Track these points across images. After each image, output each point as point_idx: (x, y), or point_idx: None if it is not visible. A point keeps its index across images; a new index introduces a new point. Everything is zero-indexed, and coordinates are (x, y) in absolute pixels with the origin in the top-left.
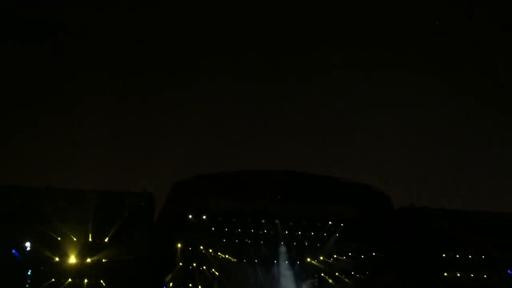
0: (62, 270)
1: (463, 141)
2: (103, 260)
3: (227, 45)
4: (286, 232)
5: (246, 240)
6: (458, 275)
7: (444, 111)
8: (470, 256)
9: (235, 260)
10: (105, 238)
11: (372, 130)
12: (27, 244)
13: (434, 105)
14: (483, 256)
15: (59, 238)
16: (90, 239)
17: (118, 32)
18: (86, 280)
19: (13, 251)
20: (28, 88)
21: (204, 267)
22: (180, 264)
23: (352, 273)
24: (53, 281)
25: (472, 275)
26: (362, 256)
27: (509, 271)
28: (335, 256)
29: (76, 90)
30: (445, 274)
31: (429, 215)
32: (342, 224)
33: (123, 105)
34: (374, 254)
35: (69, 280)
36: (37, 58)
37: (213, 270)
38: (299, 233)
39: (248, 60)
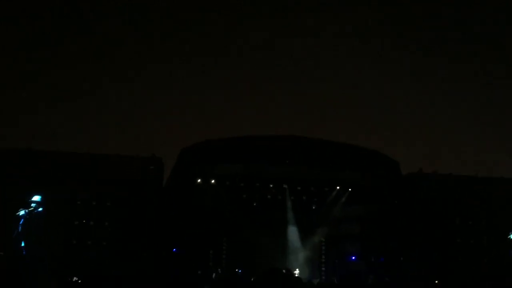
0: (71, 231)
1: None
2: (105, 223)
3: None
4: (294, 197)
5: (254, 204)
6: (467, 241)
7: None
8: (479, 223)
9: (242, 223)
10: (113, 201)
11: (380, 96)
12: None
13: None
14: (491, 223)
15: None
16: (94, 203)
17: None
18: (89, 242)
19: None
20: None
21: (212, 231)
22: (189, 228)
23: (359, 237)
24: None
25: (480, 242)
26: (369, 221)
27: None
28: (342, 221)
29: (86, 58)
30: (457, 240)
31: (437, 181)
32: (350, 189)
33: (132, 72)
34: (381, 219)
35: (74, 242)
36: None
37: (221, 233)
38: (307, 197)
39: (255, 24)
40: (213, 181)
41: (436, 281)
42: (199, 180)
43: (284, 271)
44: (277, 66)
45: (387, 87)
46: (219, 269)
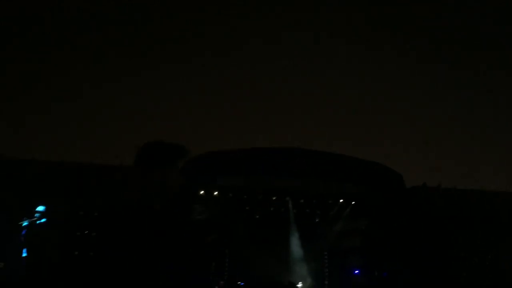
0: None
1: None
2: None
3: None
4: (296, 210)
5: (257, 217)
6: (471, 258)
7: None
8: (484, 239)
9: (244, 235)
10: (116, 212)
11: (384, 108)
12: (43, 219)
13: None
14: (498, 240)
15: (81, 212)
16: (96, 213)
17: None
18: (91, 253)
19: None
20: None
21: (215, 243)
22: (191, 239)
23: (362, 251)
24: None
25: (485, 259)
26: (373, 235)
27: None
28: (345, 234)
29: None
30: (461, 256)
31: (441, 195)
32: (353, 202)
33: (131, 79)
34: (384, 233)
35: (76, 253)
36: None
37: (223, 245)
38: (310, 210)
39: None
40: (215, 192)
41: None
42: (201, 192)
43: (286, 284)
44: (282, 69)
45: (391, 96)
46: (221, 281)
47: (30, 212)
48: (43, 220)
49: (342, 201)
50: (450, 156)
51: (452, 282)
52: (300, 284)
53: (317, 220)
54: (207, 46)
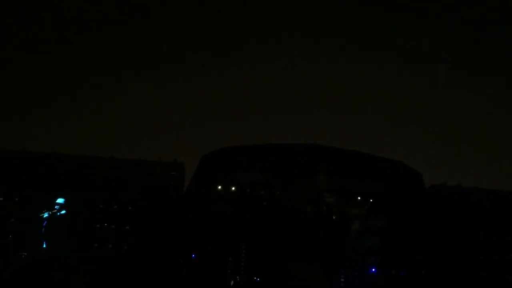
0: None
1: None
2: (126, 227)
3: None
4: (315, 206)
5: (273, 212)
6: (491, 257)
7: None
8: (503, 238)
9: (261, 231)
10: (135, 205)
11: (405, 107)
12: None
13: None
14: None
15: (100, 205)
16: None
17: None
18: (110, 245)
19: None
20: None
21: (232, 238)
22: (209, 233)
23: (379, 250)
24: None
25: (505, 258)
26: (391, 234)
27: None
28: (363, 232)
29: (110, 61)
30: (480, 256)
31: (461, 194)
32: (371, 200)
33: (155, 79)
34: (402, 232)
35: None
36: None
37: (240, 241)
38: (327, 208)
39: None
40: (233, 188)
41: None
42: (219, 187)
43: (303, 279)
44: (291, 70)
45: (413, 97)
46: (237, 276)
47: (51, 205)
48: (63, 212)
49: (360, 199)
50: (470, 156)
51: (471, 283)
52: (315, 279)
53: (334, 218)
54: (207, 46)
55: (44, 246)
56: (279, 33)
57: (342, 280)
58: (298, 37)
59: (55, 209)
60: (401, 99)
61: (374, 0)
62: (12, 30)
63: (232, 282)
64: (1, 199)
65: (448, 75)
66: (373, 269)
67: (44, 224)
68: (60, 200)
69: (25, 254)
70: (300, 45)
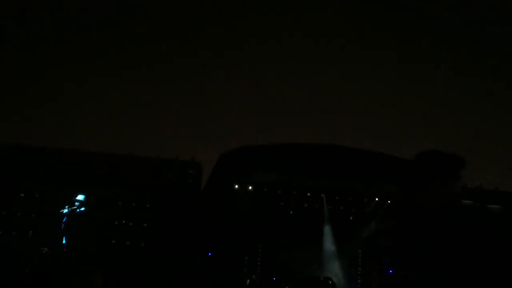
0: (111, 231)
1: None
2: (144, 225)
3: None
4: (331, 207)
5: (291, 212)
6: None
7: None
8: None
9: (278, 231)
10: (152, 203)
11: (422, 106)
12: (82, 208)
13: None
14: None
15: (119, 202)
16: (133, 204)
17: None
18: (128, 242)
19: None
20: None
21: (248, 237)
22: (226, 232)
23: (397, 251)
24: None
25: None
26: (408, 235)
27: None
28: (380, 233)
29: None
30: (502, 260)
31: (482, 197)
32: (389, 201)
33: (171, 69)
34: (420, 234)
35: (113, 241)
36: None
37: (256, 240)
38: (344, 208)
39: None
40: (250, 187)
41: None
42: (236, 186)
43: (321, 279)
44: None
45: (413, 96)
46: (253, 276)
47: (70, 201)
48: (82, 209)
49: (377, 200)
50: (471, 156)
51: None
52: (333, 281)
53: (351, 218)
54: (207, 46)
55: (64, 242)
56: (279, 33)
57: (359, 281)
58: (298, 37)
59: (75, 205)
60: (401, 99)
61: (374, 0)
62: (12, 30)
63: (248, 281)
64: (22, 195)
65: (448, 75)
66: (390, 271)
67: (64, 220)
68: (80, 197)
69: (46, 249)
70: (300, 45)
